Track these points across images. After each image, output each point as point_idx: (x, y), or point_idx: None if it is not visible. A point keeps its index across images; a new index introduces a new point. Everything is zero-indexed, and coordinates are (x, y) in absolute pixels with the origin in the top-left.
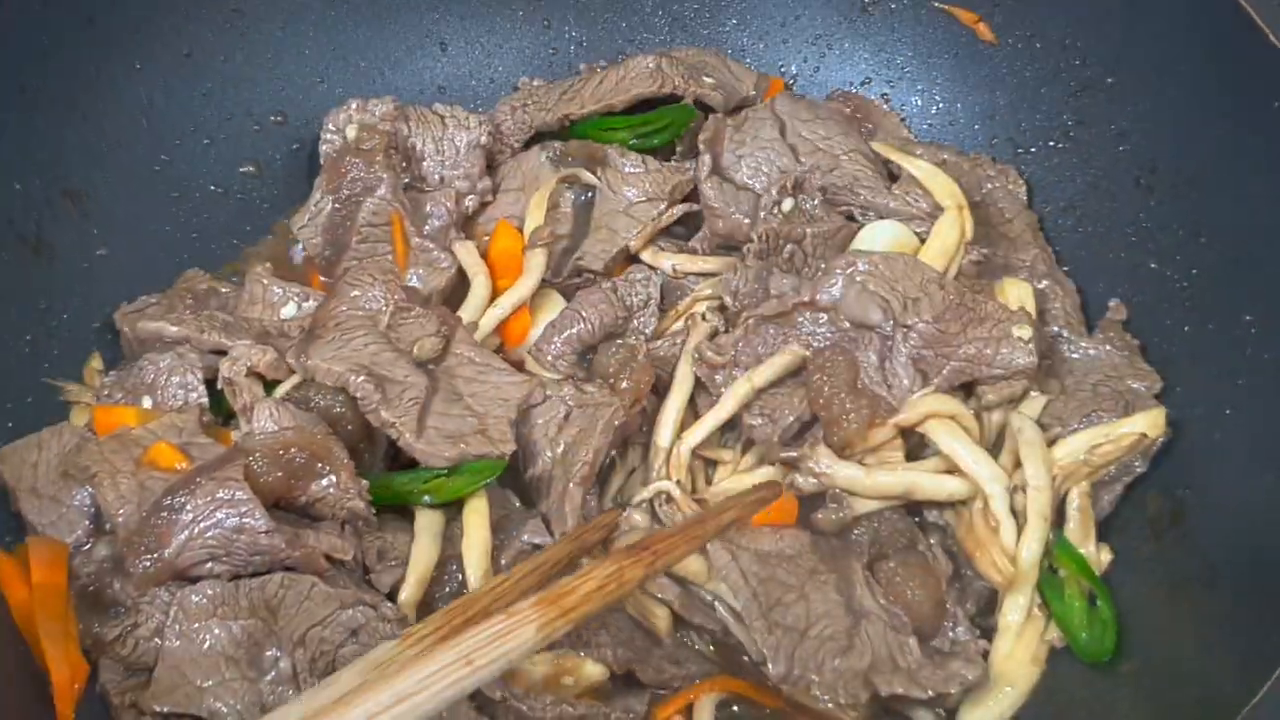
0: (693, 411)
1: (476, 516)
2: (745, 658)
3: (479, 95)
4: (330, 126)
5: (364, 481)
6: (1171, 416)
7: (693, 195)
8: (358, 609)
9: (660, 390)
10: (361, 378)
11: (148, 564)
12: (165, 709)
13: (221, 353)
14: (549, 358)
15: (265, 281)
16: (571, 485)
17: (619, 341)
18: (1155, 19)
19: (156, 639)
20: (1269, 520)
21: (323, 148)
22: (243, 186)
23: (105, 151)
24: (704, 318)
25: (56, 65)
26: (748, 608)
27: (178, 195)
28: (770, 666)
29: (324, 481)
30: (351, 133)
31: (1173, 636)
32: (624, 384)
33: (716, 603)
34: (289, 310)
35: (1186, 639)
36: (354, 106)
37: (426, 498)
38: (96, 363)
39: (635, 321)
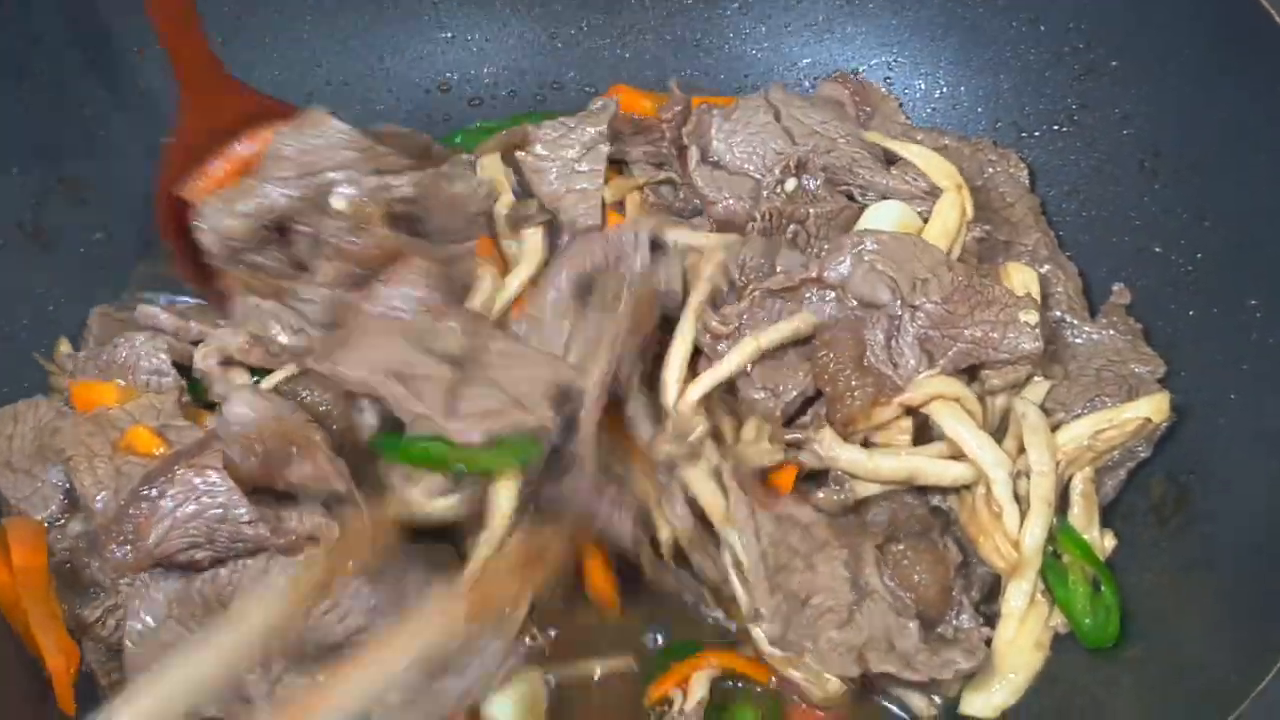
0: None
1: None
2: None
3: (480, 83)
4: None
5: (342, 462)
6: (1175, 401)
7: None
8: None
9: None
10: (391, 382)
11: (127, 553)
12: None
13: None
14: (549, 303)
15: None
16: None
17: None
18: (1160, 2)
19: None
20: (1274, 505)
21: None
22: None
23: (102, 137)
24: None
25: (54, 51)
26: (755, 566)
27: None
28: (765, 626)
29: (304, 468)
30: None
31: (1177, 623)
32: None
33: (725, 550)
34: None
35: (1190, 625)
36: None
37: (460, 466)
38: (65, 347)
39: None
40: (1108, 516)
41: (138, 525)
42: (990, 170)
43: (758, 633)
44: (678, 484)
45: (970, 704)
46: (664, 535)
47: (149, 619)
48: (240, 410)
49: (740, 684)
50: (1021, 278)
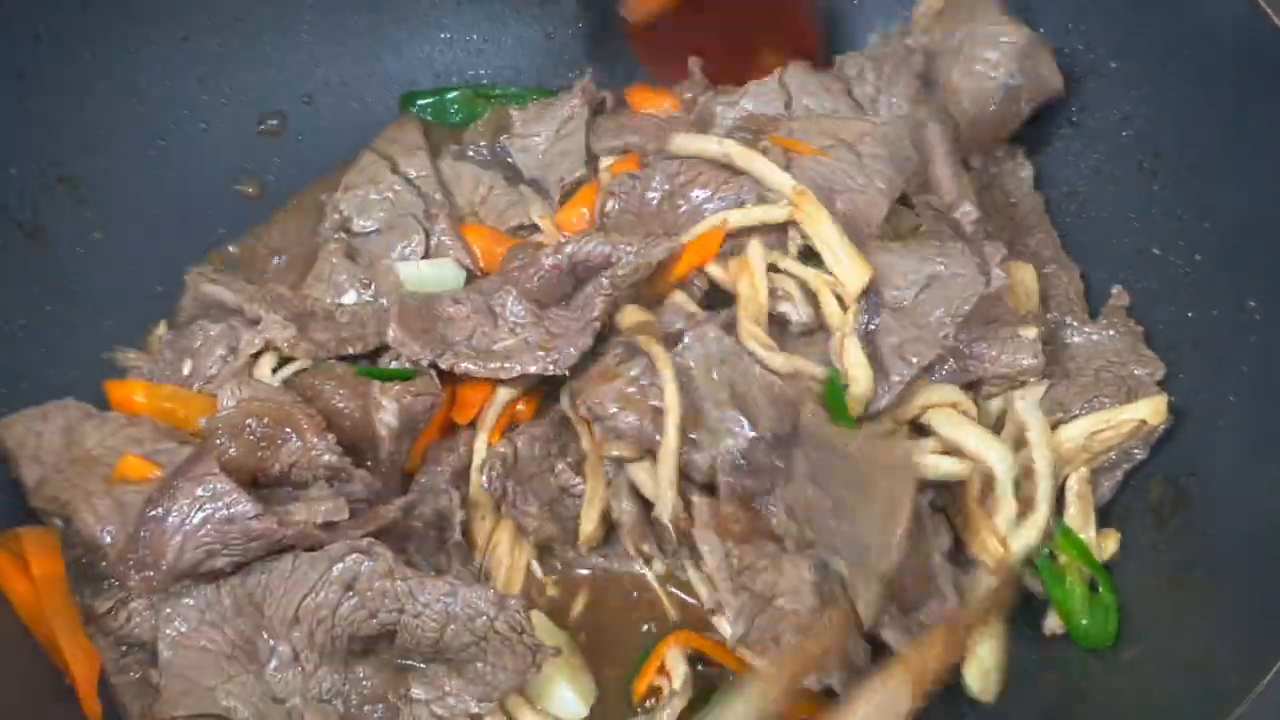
0: None
1: None
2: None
3: (478, 84)
4: None
5: (330, 436)
6: (1174, 403)
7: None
8: (349, 559)
9: None
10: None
11: (150, 577)
12: (181, 713)
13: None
14: None
15: (335, 261)
16: None
17: None
18: (1158, 4)
19: (147, 613)
20: (1272, 507)
21: None
22: (239, 170)
23: (101, 137)
24: None
25: (53, 50)
26: (719, 567)
27: (174, 179)
28: (730, 625)
29: (292, 445)
30: None
31: (1175, 624)
32: None
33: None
34: (350, 297)
35: (1189, 626)
36: None
37: None
38: (162, 330)
39: None
40: (1106, 518)
41: (152, 547)
42: (995, 169)
43: (722, 623)
44: (625, 479)
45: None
46: (588, 522)
47: (182, 626)
48: (228, 402)
49: (720, 669)
50: (1020, 276)
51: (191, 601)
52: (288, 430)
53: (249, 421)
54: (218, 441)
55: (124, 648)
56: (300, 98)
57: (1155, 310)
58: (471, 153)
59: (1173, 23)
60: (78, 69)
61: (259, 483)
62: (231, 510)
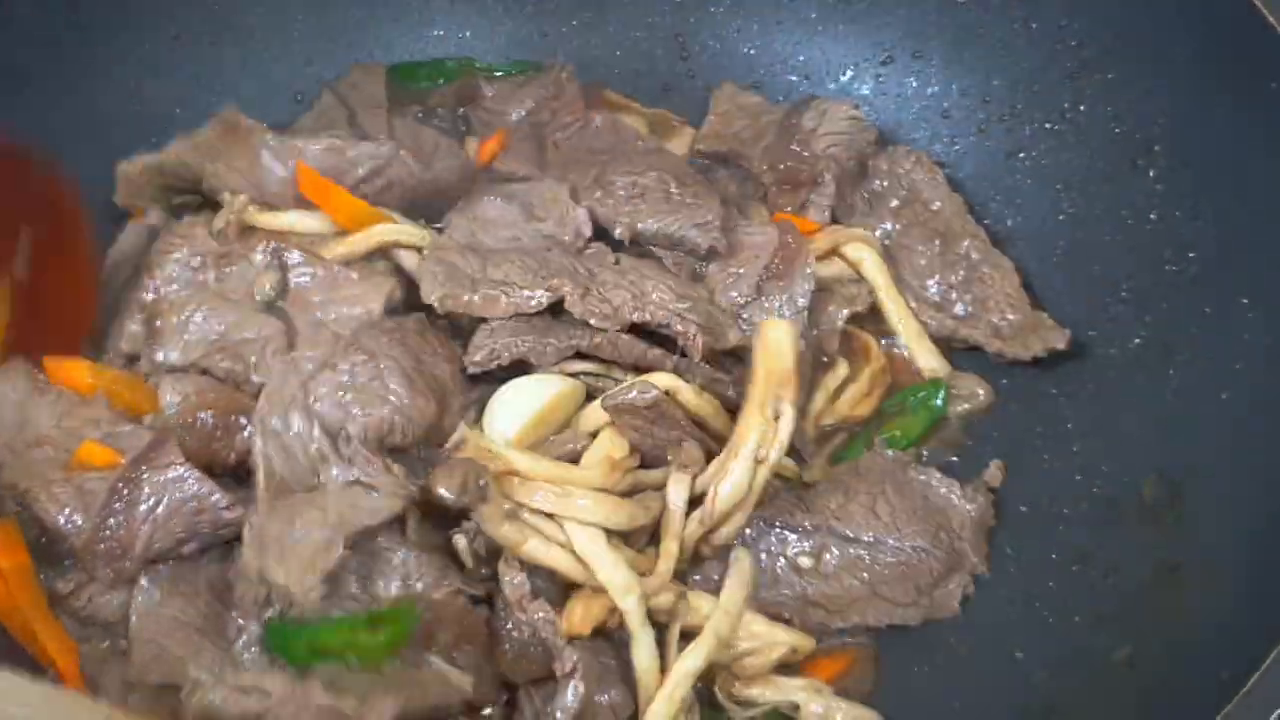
0: None
1: None
2: None
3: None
4: None
5: None
6: (1169, 400)
7: None
8: None
9: None
10: (218, 358)
11: (120, 568)
12: (153, 679)
13: None
14: None
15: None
16: None
17: None
18: (1154, 1)
19: (110, 594)
20: (1266, 505)
21: None
22: None
23: (94, 134)
24: None
25: (45, 48)
26: None
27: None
28: None
29: (246, 433)
30: None
31: (1169, 620)
32: None
33: None
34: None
35: (1182, 623)
36: None
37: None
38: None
39: None
40: (1104, 515)
41: (120, 540)
42: (908, 181)
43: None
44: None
45: None
46: None
47: (155, 593)
48: (171, 398)
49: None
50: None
51: (165, 570)
52: (243, 420)
53: (200, 414)
54: (180, 432)
55: (89, 628)
56: (292, 95)
57: (1148, 307)
58: (438, 120)
59: (1166, 19)
60: (70, 67)
61: (213, 471)
62: (202, 501)
